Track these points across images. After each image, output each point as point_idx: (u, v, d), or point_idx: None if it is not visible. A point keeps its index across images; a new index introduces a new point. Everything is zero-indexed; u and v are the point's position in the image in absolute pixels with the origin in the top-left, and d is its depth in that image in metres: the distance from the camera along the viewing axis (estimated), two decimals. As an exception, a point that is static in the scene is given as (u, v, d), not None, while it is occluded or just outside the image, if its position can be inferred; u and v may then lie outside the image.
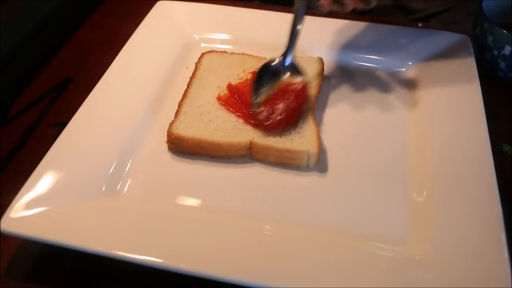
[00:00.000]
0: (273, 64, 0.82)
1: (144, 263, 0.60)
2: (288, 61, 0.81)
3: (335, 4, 0.77)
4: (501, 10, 0.95)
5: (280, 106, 0.76)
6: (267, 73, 0.81)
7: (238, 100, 0.83)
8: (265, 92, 0.79)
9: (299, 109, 0.77)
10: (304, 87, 0.79)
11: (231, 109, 0.82)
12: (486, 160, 0.72)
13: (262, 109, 0.77)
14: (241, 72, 0.89)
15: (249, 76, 0.87)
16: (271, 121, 0.75)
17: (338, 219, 0.70)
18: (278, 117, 0.75)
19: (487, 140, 0.75)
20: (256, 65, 0.89)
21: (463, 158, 0.74)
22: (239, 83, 0.86)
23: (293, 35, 0.79)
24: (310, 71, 0.88)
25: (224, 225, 0.67)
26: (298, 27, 0.78)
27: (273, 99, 0.78)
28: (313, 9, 0.77)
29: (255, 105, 0.78)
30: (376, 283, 0.60)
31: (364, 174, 0.76)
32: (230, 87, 0.85)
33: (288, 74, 0.80)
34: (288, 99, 0.77)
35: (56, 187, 0.68)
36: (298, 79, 0.80)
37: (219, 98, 0.83)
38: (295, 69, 0.81)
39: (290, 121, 0.76)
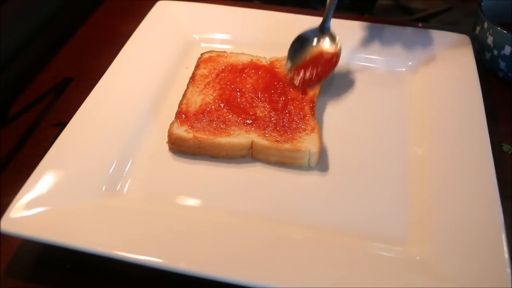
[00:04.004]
0: (310, 31, 0.88)
1: (144, 263, 0.60)
2: (326, 28, 0.88)
3: None
4: (501, 10, 0.95)
5: (312, 72, 0.85)
6: (303, 40, 0.88)
7: (238, 99, 0.83)
8: (300, 58, 0.87)
9: (327, 74, 0.85)
10: (335, 55, 0.86)
11: (232, 109, 0.82)
12: (486, 160, 0.73)
13: (296, 74, 0.85)
14: (241, 72, 0.88)
15: (249, 76, 0.87)
16: (302, 84, 0.84)
17: (338, 219, 0.70)
18: (309, 82, 0.84)
19: (487, 140, 0.75)
20: (255, 65, 0.89)
21: (463, 158, 0.74)
22: (239, 83, 0.86)
23: (332, 3, 0.85)
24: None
25: (225, 225, 0.67)
26: None
27: (307, 65, 0.86)
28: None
29: (289, 71, 0.86)
30: (376, 283, 0.60)
31: (364, 173, 0.76)
32: (230, 86, 0.85)
33: (325, 40, 0.87)
34: (319, 66, 0.85)
35: (56, 187, 0.68)
36: (331, 48, 0.87)
37: (219, 98, 0.83)
38: (331, 36, 0.87)
39: (319, 82, 0.85)
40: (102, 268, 0.65)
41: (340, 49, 0.87)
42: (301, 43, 0.88)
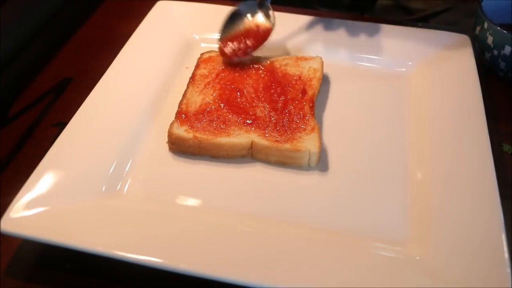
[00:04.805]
0: (248, 4, 0.93)
1: (144, 263, 0.60)
2: (266, 2, 0.92)
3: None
4: (501, 10, 0.95)
5: (243, 42, 0.90)
6: (240, 13, 0.93)
7: (238, 99, 0.83)
8: (234, 29, 0.92)
9: (255, 47, 0.91)
10: (266, 31, 0.91)
11: (232, 109, 0.82)
12: (486, 160, 0.73)
13: (227, 43, 0.91)
14: (241, 72, 0.88)
15: (249, 76, 0.87)
16: (230, 52, 0.90)
17: (338, 219, 0.70)
18: (237, 51, 0.90)
19: (487, 140, 0.75)
20: (255, 65, 0.89)
21: (463, 158, 0.74)
22: (239, 83, 0.86)
23: None
24: (310, 70, 0.88)
25: (225, 225, 0.67)
26: None
27: (238, 36, 0.91)
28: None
29: (221, 39, 0.91)
30: (376, 283, 0.60)
31: (364, 173, 0.76)
32: (230, 86, 0.85)
33: (260, 15, 0.92)
34: (249, 38, 0.91)
35: (56, 187, 0.68)
36: (265, 23, 0.92)
37: (219, 98, 0.83)
38: (267, 11, 0.92)
39: (247, 54, 0.90)
40: (102, 268, 0.65)
41: (273, 24, 0.91)
42: (237, 16, 0.93)
